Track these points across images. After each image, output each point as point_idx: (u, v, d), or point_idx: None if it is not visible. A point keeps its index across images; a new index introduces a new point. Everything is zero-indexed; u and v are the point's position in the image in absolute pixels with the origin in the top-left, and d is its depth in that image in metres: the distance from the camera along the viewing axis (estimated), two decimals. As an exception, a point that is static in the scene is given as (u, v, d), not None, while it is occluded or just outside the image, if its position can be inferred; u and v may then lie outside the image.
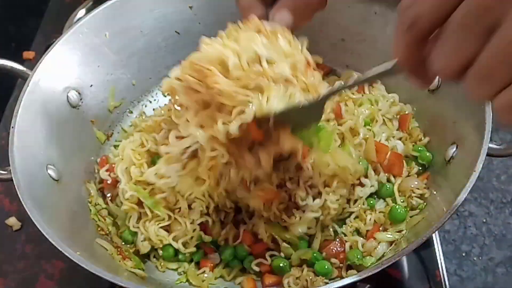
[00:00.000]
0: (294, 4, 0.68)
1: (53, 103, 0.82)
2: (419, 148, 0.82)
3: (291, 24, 0.68)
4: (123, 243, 0.81)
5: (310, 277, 0.75)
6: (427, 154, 0.81)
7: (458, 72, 0.39)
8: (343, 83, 0.68)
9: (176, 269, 0.81)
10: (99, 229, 0.82)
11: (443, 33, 0.39)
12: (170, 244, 0.79)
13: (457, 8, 0.38)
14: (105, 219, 0.83)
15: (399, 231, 0.75)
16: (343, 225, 0.78)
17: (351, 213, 0.78)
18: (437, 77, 0.45)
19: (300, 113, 0.65)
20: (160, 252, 0.80)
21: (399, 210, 0.75)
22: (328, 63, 0.98)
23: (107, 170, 0.86)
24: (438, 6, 0.39)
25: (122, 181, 0.80)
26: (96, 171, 0.89)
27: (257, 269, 0.78)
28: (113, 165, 0.86)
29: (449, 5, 0.38)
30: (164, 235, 0.79)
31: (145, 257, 0.82)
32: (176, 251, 0.80)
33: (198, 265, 0.81)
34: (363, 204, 0.78)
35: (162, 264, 0.81)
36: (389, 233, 0.74)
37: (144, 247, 0.79)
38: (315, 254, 0.76)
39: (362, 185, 0.79)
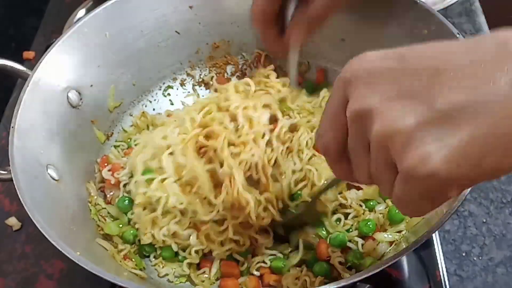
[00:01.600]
0: (305, 20, 0.76)
1: (53, 103, 0.82)
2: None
3: (304, 40, 0.79)
4: (123, 243, 0.81)
5: (309, 278, 0.75)
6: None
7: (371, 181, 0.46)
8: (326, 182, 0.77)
9: (176, 270, 0.81)
10: (99, 229, 0.82)
11: (349, 155, 0.47)
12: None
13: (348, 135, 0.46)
14: (105, 219, 0.83)
15: (399, 231, 0.75)
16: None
17: (348, 214, 0.78)
18: None
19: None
20: (159, 251, 0.81)
21: (397, 211, 0.75)
22: (327, 64, 0.98)
23: (109, 170, 0.86)
24: (335, 139, 0.47)
25: (138, 171, 0.81)
26: (96, 171, 0.89)
27: (257, 273, 0.78)
28: (116, 165, 0.87)
29: (343, 138, 0.47)
30: (168, 236, 0.79)
31: (145, 257, 0.82)
32: (176, 252, 0.80)
33: (198, 265, 0.81)
34: (361, 206, 0.78)
35: (162, 264, 0.81)
36: (388, 233, 0.74)
37: (147, 238, 0.79)
38: (314, 255, 0.76)
39: (358, 188, 0.79)
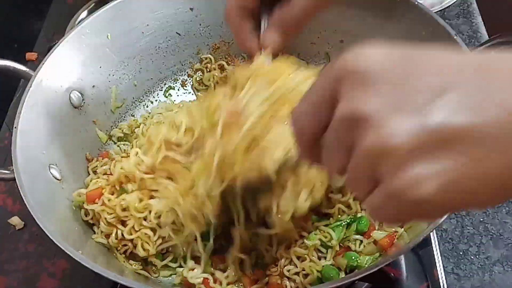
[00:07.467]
0: (283, 23, 0.70)
1: (55, 103, 0.83)
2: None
3: (281, 44, 0.71)
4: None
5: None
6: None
7: (341, 173, 0.42)
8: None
9: (170, 276, 0.80)
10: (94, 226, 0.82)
11: (322, 144, 0.43)
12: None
13: (327, 128, 0.42)
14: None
15: (396, 230, 0.75)
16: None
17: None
18: None
19: None
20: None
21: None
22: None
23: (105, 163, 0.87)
24: (312, 127, 0.43)
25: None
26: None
27: None
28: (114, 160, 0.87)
29: (323, 123, 0.42)
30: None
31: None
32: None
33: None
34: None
35: (154, 270, 0.79)
36: (385, 232, 0.74)
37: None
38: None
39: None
